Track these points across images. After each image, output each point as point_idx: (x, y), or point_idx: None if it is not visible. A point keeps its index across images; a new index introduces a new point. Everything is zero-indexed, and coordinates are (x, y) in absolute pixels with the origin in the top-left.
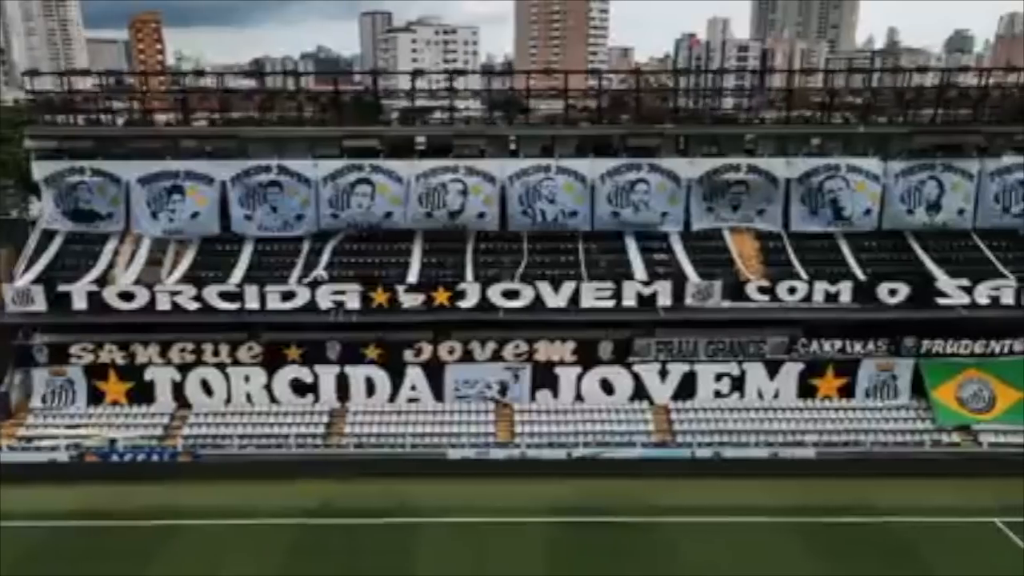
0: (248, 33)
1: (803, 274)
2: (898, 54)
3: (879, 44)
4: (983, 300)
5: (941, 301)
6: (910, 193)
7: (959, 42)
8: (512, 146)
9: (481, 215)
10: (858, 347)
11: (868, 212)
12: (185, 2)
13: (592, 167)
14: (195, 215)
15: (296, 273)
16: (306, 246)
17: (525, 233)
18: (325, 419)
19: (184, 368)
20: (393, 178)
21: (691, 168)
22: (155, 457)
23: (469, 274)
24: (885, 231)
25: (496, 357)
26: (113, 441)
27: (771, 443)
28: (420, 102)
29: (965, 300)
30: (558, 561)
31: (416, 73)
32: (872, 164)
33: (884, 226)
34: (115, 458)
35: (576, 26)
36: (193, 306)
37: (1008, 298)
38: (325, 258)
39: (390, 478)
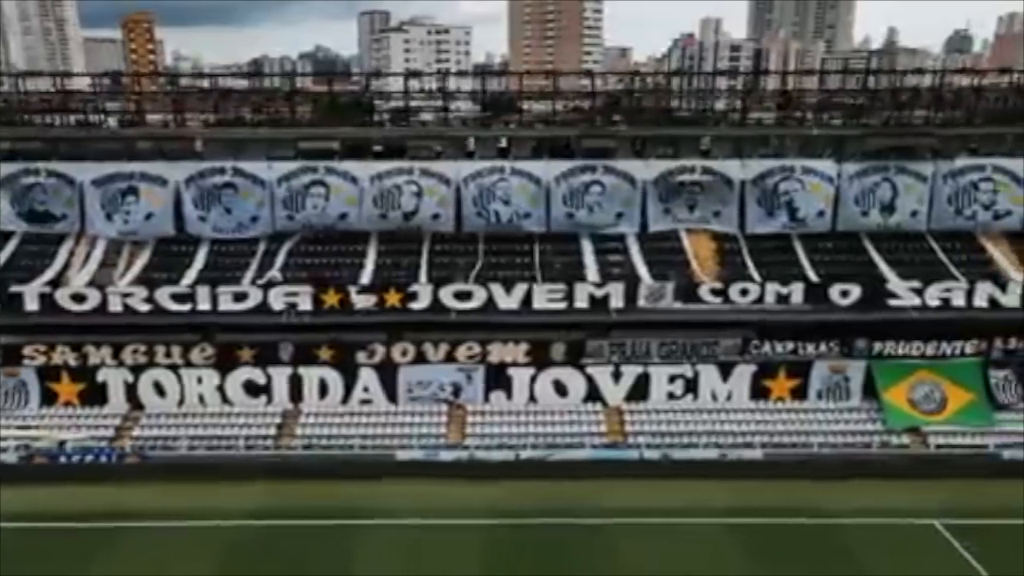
0: (248, 33)
1: (756, 276)
2: (894, 54)
3: (876, 44)
4: (934, 302)
5: (892, 303)
6: (864, 195)
7: (958, 42)
8: (470, 147)
9: (435, 216)
10: (810, 349)
11: (821, 214)
12: (185, 2)
13: (547, 169)
14: (149, 216)
15: (250, 274)
16: (262, 247)
17: (481, 234)
18: (277, 420)
19: (137, 369)
20: (348, 179)
21: (646, 170)
22: (103, 459)
23: (423, 275)
24: (841, 233)
25: (449, 358)
26: (63, 443)
27: (720, 444)
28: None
29: (916, 302)
30: (493, 562)
31: (374, 75)
32: (826, 166)
33: (839, 227)
34: (63, 459)
35: (570, 26)
36: (145, 307)
37: (959, 300)
38: (280, 259)
39: (338, 480)
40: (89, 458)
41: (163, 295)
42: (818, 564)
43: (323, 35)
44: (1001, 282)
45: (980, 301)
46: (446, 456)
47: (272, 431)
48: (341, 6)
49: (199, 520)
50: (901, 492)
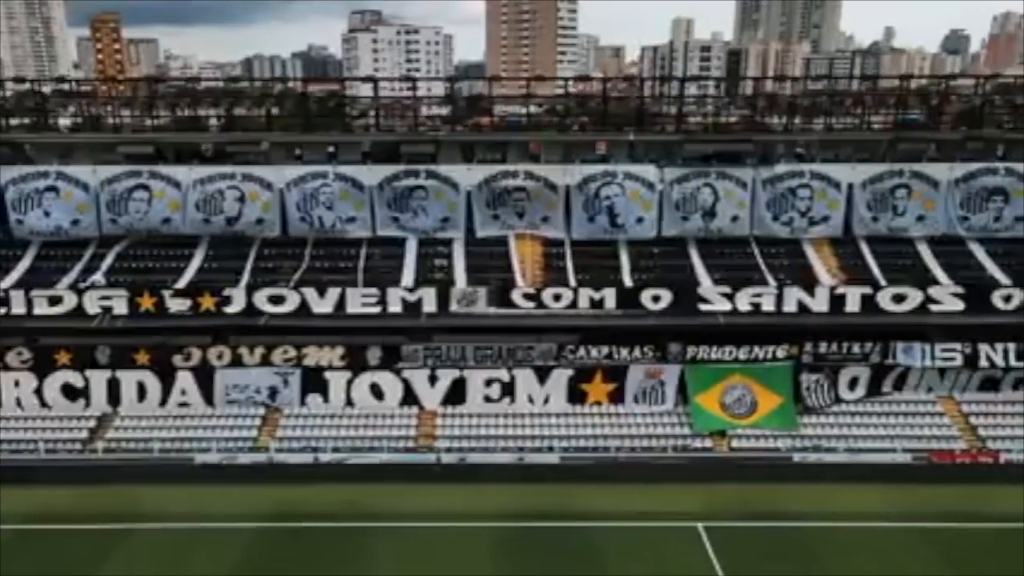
0: (245, 32)
1: (572, 280)
2: (879, 54)
3: (864, 44)
4: (744, 307)
5: (703, 307)
6: (685, 200)
7: (955, 42)
8: (297, 152)
9: (259, 221)
10: (625, 353)
11: (641, 220)
12: (183, 1)
13: (370, 174)
14: None
15: (69, 278)
16: (89, 251)
17: (310, 239)
18: (91, 424)
19: None
20: (171, 184)
21: (468, 175)
22: None
23: (245, 280)
24: (667, 238)
25: (265, 362)
26: None
27: (521, 448)
28: None
29: (727, 306)
30: (243, 564)
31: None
32: (648, 171)
33: (664, 233)
34: None
35: (545, 26)
36: None
37: (769, 304)
38: (107, 263)
39: (132, 484)
40: None
41: None
42: (562, 565)
43: (321, 34)
44: (810, 287)
45: (789, 306)
46: (244, 460)
47: (84, 435)
48: (341, 5)
49: None
50: (679, 495)
